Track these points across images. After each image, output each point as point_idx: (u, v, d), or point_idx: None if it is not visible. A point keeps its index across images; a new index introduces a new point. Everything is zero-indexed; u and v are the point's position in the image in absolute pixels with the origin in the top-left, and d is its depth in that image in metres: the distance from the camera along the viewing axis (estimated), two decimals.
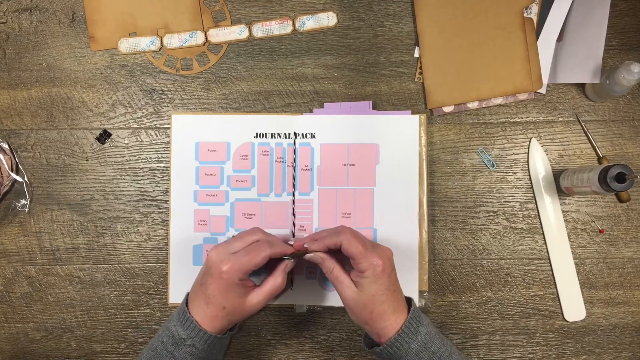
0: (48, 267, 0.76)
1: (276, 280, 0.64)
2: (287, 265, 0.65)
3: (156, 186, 0.76)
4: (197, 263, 0.75)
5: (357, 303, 0.62)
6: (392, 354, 0.61)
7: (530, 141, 0.76)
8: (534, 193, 0.76)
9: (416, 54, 0.77)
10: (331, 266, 0.63)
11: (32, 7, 0.77)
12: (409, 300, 0.65)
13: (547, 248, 0.75)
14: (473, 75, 0.76)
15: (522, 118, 0.77)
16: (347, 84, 0.77)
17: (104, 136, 0.77)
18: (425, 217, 0.75)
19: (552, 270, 0.75)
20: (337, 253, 0.64)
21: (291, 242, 0.67)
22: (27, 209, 0.76)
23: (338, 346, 0.76)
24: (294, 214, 0.75)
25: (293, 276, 0.75)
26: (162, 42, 0.77)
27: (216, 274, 0.61)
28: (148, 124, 0.77)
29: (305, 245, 0.65)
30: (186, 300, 0.64)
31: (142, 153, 0.77)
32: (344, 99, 0.77)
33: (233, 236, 0.69)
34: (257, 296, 0.63)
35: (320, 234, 0.66)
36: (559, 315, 0.75)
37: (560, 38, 0.76)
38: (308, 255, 0.65)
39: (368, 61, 0.77)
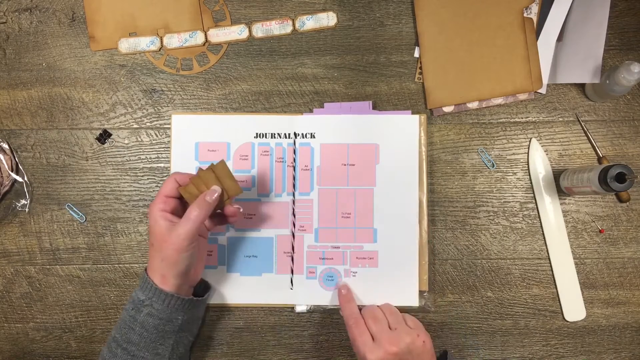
0: (48, 267, 0.76)
1: (194, 207, 0.62)
2: (206, 193, 0.63)
3: (156, 186, 0.76)
4: None
5: None
6: None
7: (530, 141, 0.76)
8: (534, 193, 0.76)
9: (416, 54, 0.77)
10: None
11: (32, 7, 0.77)
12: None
13: (547, 248, 0.75)
14: (473, 75, 0.76)
15: (522, 118, 0.77)
16: (347, 84, 0.77)
17: (104, 136, 0.77)
18: (425, 217, 0.75)
19: (552, 270, 0.75)
20: None
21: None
22: (27, 209, 0.76)
23: (338, 346, 0.76)
24: (294, 214, 0.75)
25: (293, 275, 0.75)
26: (162, 42, 0.77)
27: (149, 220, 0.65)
28: (148, 124, 0.77)
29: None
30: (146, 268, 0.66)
31: (142, 153, 0.77)
32: (344, 99, 0.77)
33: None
34: (180, 225, 0.62)
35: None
36: (559, 315, 0.75)
37: (560, 38, 0.76)
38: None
39: (368, 61, 0.77)
